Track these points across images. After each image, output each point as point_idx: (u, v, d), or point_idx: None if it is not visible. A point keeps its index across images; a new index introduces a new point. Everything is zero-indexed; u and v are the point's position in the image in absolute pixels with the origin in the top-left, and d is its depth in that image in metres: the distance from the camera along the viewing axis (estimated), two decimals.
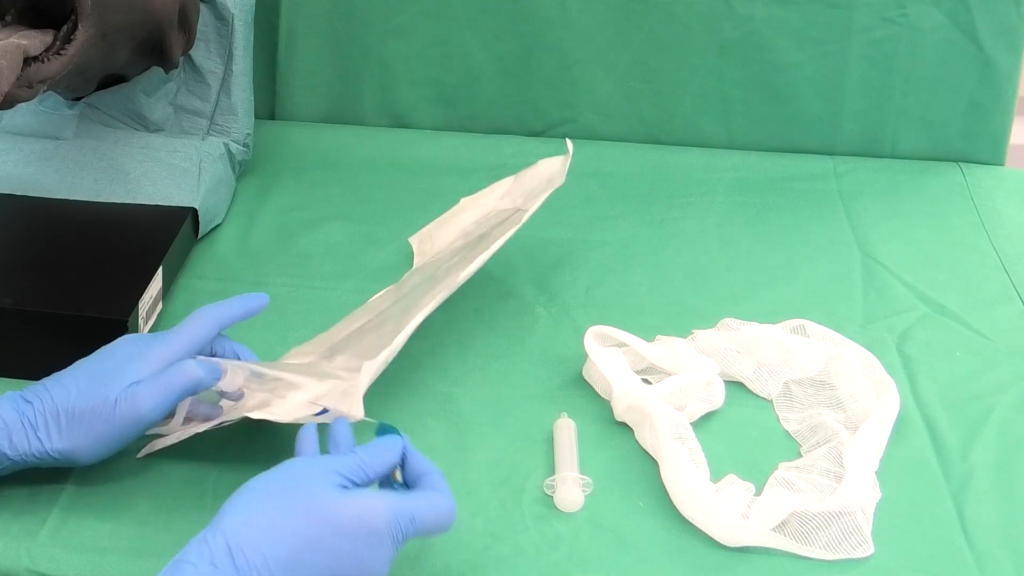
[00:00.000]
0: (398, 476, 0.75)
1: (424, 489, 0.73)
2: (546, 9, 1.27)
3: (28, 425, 0.78)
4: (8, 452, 0.78)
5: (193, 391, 0.81)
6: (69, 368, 0.81)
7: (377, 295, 1.02)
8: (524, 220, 0.99)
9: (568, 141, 1.05)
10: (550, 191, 1.03)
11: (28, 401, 0.79)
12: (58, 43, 0.90)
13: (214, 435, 0.85)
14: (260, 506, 0.68)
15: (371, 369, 0.82)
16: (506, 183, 1.11)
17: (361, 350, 0.88)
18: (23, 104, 0.94)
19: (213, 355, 0.85)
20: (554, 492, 0.83)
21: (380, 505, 0.69)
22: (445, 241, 1.09)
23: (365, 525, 0.68)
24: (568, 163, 1.04)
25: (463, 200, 1.12)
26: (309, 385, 0.84)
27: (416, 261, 1.09)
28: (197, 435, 0.84)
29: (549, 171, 1.07)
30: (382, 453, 0.73)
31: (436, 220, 1.12)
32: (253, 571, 0.66)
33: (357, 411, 0.79)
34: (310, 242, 1.12)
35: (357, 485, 0.71)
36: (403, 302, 0.95)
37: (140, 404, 0.78)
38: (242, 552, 0.66)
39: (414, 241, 1.11)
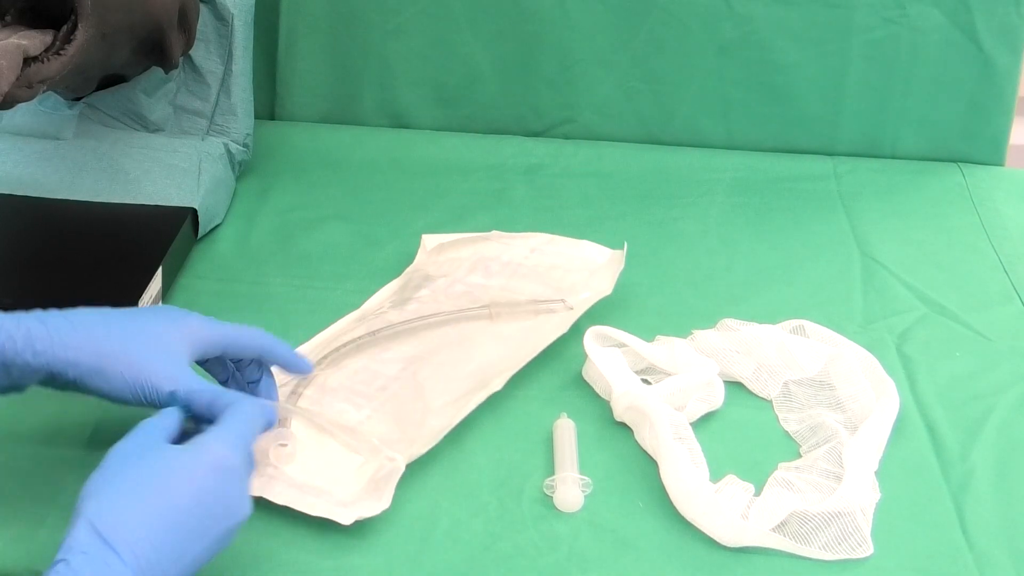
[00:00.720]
0: None
1: (230, 411, 0.74)
2: (546, 9, 1.27)
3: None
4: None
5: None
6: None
7: (380, 295, 1.03)
8: (570, 323, 0.98)
9: (624, 247, 1.05)
10: (597, 298, 1.01)
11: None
12: (58, 43, 0.90)
13: None
14: (113, 482, 0.68)
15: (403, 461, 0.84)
16: (541, 237, 1.09)
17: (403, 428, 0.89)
18: (23, 104, 0.94)
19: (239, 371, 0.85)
20: (554, 492, 0.83)
21: (215, 440, 0.71)
22: (458, 264, 1.07)
23: (212, 462, 0.70)
24: (620, 270, 1.03)
25: (494, 232, 1.10)
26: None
27: (419, 260, 1.07)
28: None
29: (592, 264, 1.05)
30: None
31: (460, 236, 1.09)
32: (123, 543, 0.65)
33: (384, 502, 0.81)
34: (310, 242, 1.12)
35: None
36: (425, 370, 0.94)
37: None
38: (111, 528, 0.66)
39: (428, 241, 1.08)
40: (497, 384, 0.91)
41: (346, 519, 0.79)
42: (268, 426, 0.76)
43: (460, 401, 0.90)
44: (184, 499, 0.68)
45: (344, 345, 0.95)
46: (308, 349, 0.95)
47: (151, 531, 0.66)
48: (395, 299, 1.02)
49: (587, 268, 1.05)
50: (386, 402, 0.91)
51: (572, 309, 0.99)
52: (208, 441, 0.71)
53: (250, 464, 0.73)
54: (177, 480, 0.69)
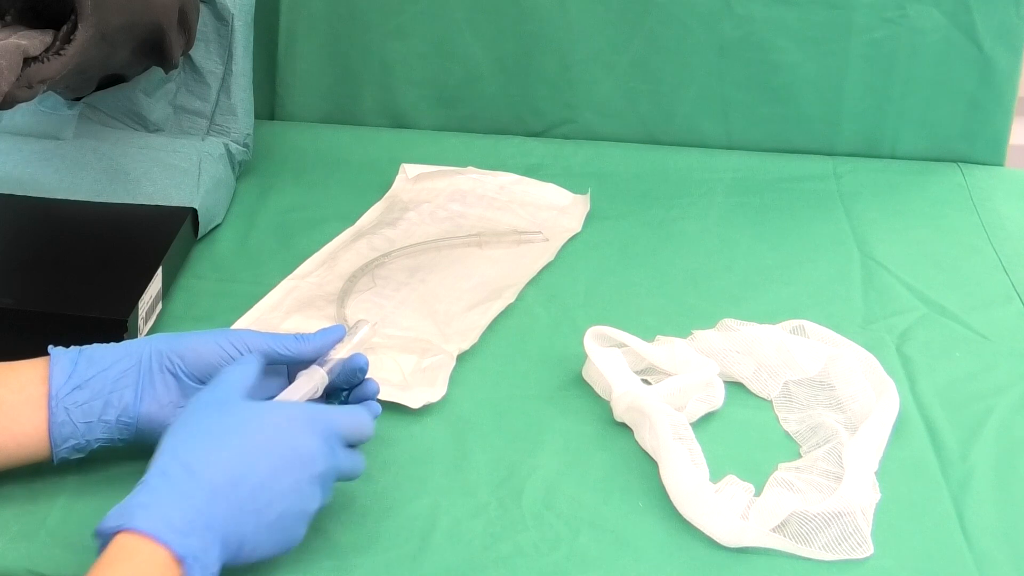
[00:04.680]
0: None
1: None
2: (546, 9, 1.27)
3: None
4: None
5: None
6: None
7: (368, 216, 1.14)
8: (554, 252, 1.11)
9: (588, 192, 1.17)
10: (569, 235, 1.14)
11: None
12: (58, 43, 0.90)
13: None
14: (193, 421, 0.74)
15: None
16: (510, 177, 1.21)
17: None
18: (23, 104, 0.94)
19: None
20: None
21: (292, 404, 0.77)
22: (436, 193, 1.18)
23: (286, 415, 0.75)
24: (586, 211, 1.16)
25: (469, 167, 1.22)
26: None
27: (397, 186, 1.19)
28: None
29: (558, 204, 1.18)
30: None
31: (437, 168, 1.21)
32: (200, 464, 0.70)
33: (440, 389, 0.91)
34: (310, 242, 1.12)
35: None
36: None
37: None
38: (190, 454, 0.71)
39: (410, 169, 1.20)
40: (510, 296, 1.03)
41: (414, 403, 0.89)
42: (360, 422, 0.80)
43: (481, 307, 1.01)
44: (258, 439, 0.72)
45: (371, 262, 1.06)
46: (311, 266, 1.05)
47: (226, 460, 0.71)
48: (384, 219, 1.13)
49: (555, 207, 1.18)
50: (406, 298, 1.02)
51: (548, 240, 1.11)
52: (286, 403, 0.77)
53: (331, 435, 0.76)
54: (252, 424, 0.73)
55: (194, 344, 0.81)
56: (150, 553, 0.66)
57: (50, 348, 0.81)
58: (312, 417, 0.76)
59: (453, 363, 0.94)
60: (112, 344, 0.82)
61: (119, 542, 0.67)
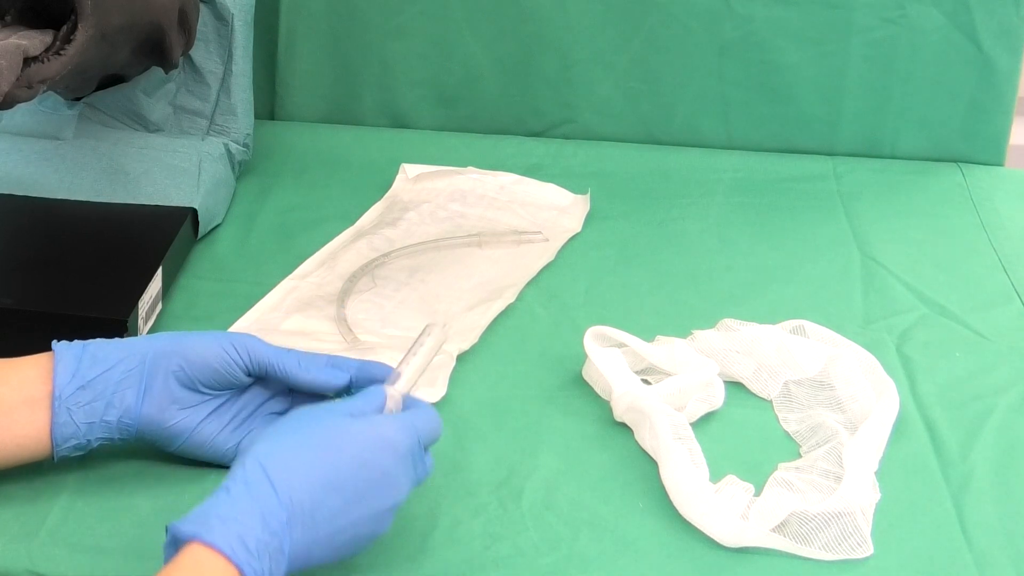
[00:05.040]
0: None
1: (414, 406, 0.79)
2: (546, 9, 1.27)
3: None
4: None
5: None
6: None
7: (368, 216, 1.14)
8: (554, 252, 1.11)
9: (588, 192, 1.18)
10: (569, 235, 1.14)
11: None
12: (58, 43, 0.89)
13: None
14: (287, 432, 0.72)
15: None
16: (510, 177, 1.21)
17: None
18: (23, 104, 0.94)
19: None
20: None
21: (389, 421, 0.75)
22: (436, 193, 1.18)
23: (381, 437, 0.73)
24: (587, 211, 1.17)
25: (469, 167, 1.22)
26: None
27: (397, 186, 1.19)
28: None
29: (558, 204, 1.18)
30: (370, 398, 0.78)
31: (438, 168, 1.21)
32: (283, 483, 0.69)
33: (440, 389, 0.91)
34: (310, 242, 1.12)
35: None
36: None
37: None
38: (276, 469, 0.69)
39: (410, 169, 1.20)
40: (510, 296, 1.03)
41: None
42: (437, 424, 0.79)
43: (480, 307, 1.01)
44: (348, 463, 0.71)
45: (371, 262, 1.06)
46: (311, 266, 1.05)
47: (311, 482, 0.70)
48: (384, 219, 1.13)
49: (555, 207, 1.18)
50: (407, 298, 1.02)
51: (548, 240, 1.11)
52: (382, 419, 0.75)
53: (417, 452, 0.75)
54: (345, 445, 0.72)
55: (197, 346, 0.80)
56: (222, 571, 0.66)
57: (54, 344, 0.80)
58: (406, 432, 0.74)
59: (453, 363, 0.94)
60: (116, 340, 0.81)
61: (193, 553, 0.66)
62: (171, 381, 0.80)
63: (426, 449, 0.77)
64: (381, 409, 0.77)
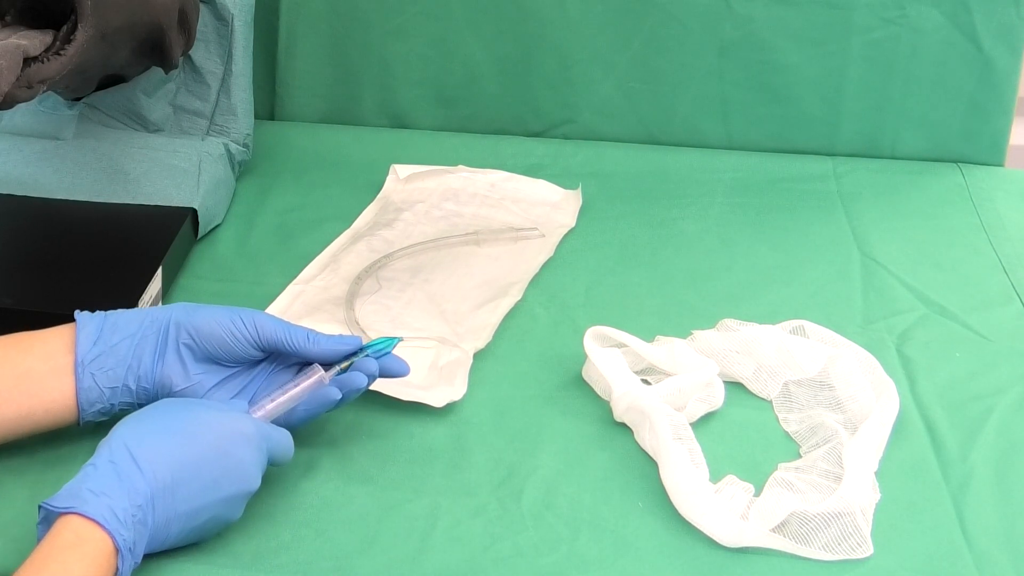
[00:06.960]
0: None
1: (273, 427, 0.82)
2: (546, 9, 1.27)
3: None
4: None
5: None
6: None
7: (364, 217, 1.14)
8: (552, 247, 1.11)
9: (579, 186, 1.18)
10: (564, 230, 1.14)
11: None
12: (58, 43, 0.90)
13: None
14: (150, 418, 0.77)
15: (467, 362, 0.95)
16: (500, 174, 1.21)
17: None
18: (23, 104, 0.94)
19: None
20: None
21: (247, 419, 0.79)
22: (428, 193, 1.18)
23: (238, 430, 0.77)
24: (579, 205, 1.17)
25: (460, 166, 1.21)
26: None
27: (388, 187, 1.19)
28: None
29: (549, 200, 1.18)
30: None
31: (428, 168, 1.21)
32: (147, 462, 0.73)
33: (460, 388, 0.92)
34: (310, 242, 1.12)
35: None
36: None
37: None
38: (140, 449, 0.74)
39: (401, 170, 1.20)
40: (516, 293, 1.03)
41: (437, 402, 0.89)
42: (289, 446, 0.82)
43: (489, 305, 1.01)
44: (206, 449, 0.76)
45: (374, 264, 1.06)
46: (315, 270, 1.05)
47: (172, 462, 0.74)
48: (380, 220, 1.13)
49: (547, 203, 1.18)
50: (413, 298, 1.02)
51: (544, 236, 1.12)
52: (241, 416, 0.79)
53: (265, 457, 0.79)
54: (206, 433, 0.76)
55: (210, 319, 0.84)
56: (100, 540, 0.70)
57: (76, 314, 0.84)
58: (265, 435, 0.79)
59: (470, 361, 0.95)
60: (135, 310, 0.86)
61: (71, 524, 0.70)
62: (184, 350, 0.83)
63: (272, 464, 0.81)
64: (244, 411, 0.81)
